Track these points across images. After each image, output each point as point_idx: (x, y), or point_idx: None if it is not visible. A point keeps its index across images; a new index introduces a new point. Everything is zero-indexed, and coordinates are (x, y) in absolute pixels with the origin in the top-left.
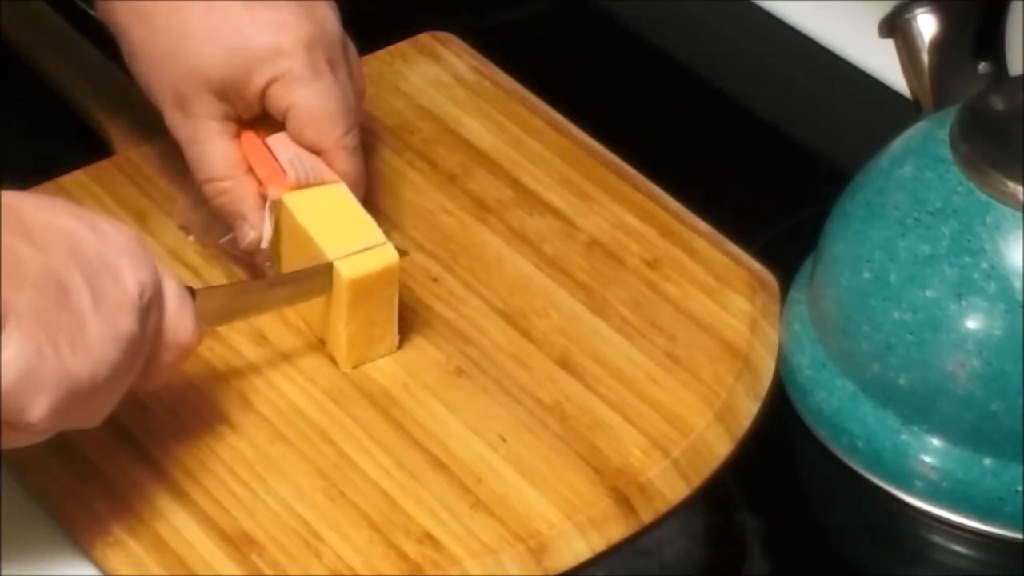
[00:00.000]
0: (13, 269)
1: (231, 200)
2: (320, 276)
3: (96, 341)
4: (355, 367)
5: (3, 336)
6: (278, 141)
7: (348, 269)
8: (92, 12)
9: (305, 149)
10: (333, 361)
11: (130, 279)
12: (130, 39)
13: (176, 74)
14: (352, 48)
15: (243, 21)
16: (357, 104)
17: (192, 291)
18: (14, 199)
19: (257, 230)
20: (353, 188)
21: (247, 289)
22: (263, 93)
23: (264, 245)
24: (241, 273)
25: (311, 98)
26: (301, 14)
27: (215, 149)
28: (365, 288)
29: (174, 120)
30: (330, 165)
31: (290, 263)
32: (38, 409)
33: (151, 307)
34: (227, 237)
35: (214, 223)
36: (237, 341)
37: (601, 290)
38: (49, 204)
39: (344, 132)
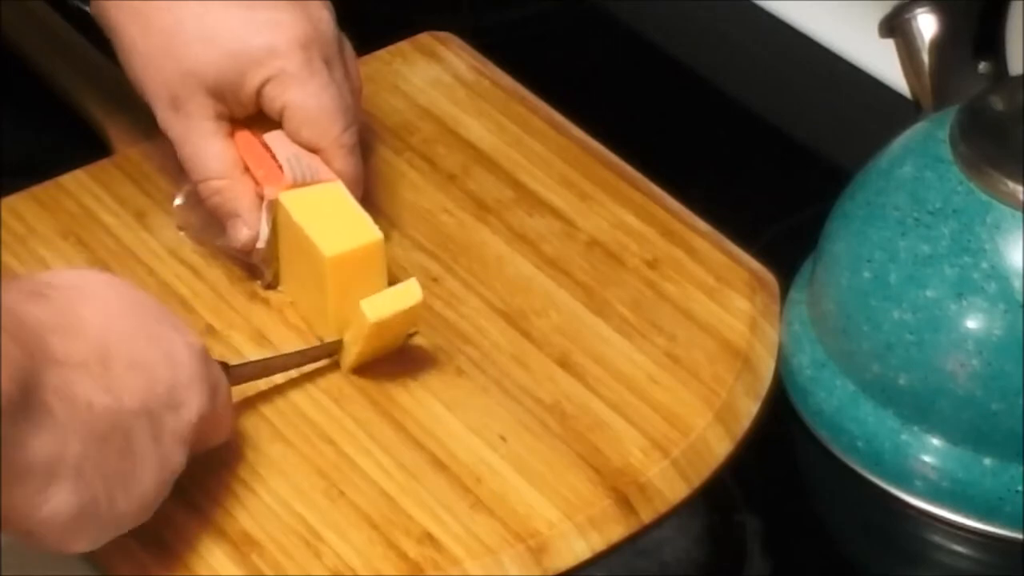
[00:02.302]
0: (84, 422)
1: (226, 199)
2: (338, 349)
3: (148, 484)
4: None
5: (55, 488)
6: (276, 139)
7: (374, 313)
8: (86, 9)
9: (304, 147)
10: (333, 361)
11: (192, 411)
12: (124, 39)
13: (170, 74)
14: (348, 46)
15: (238, 21)
16: (354, 103)
17: (227, 368)
18: (100, 323)
19: (252, 229)
20: (351, 187)
21: (272, 365)
22: (258, 93)
23: (261, 245)
24: (240, 272)
25: (307, 97)
26: (296, 14)
27: (210, 148)
28: (384, 325)
29: (167, 120)
30: (328, 164)
31: (287, 262)
32: (80, 546)
33: (203, 424)
34: (225, 237)
35: (211, 222)
36: (237, 341)
37: (601, 290)
38: (131, 328)
39: (341, 130)
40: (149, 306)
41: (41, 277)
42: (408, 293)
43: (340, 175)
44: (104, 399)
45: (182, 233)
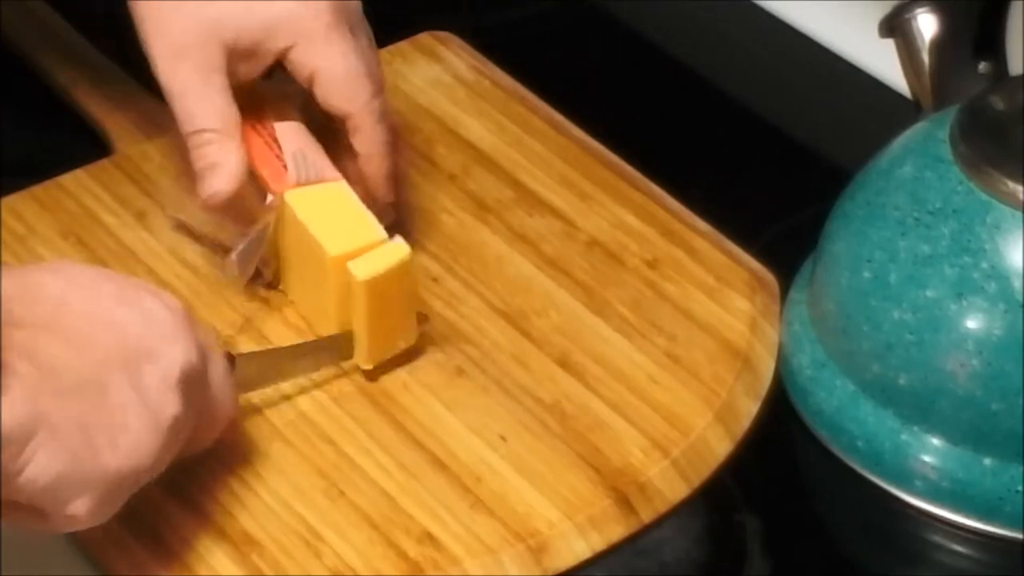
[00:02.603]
0: (49, 377)
1: (214, 151)
2: (344, 342)
3: (137, 433)
4: (376, 365)
5: (32, 447)
6: (286, 131)
7: (362, 272)
8: None
9: (333, 115)
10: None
11: (174, 361)
12: None
13: (183, 26)
14: (366, 23)
15: None
16: (380, 73)
17: (232, 358)
18: (60, 288)
19: (229, 186)
20: (381, 158)
21: (279, 355)
22: (283, 57)
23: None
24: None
25: (336, 60)
26: None
27: (214, 101)
28: (381, 287)
29: (170, 70)
30: (357, 132)
31: (289, 261)
32: (81, 507)
33: (195, 383)
34: (236, 251)
35: (211, 223)
36: (237, 341)
37: (601, 290)
38: (94, 291)
39: (371, 95)
40: (117, 277)
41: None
42: (395, 251)
43: (369, 142)
44: (68, 354)
45: (181, 233)
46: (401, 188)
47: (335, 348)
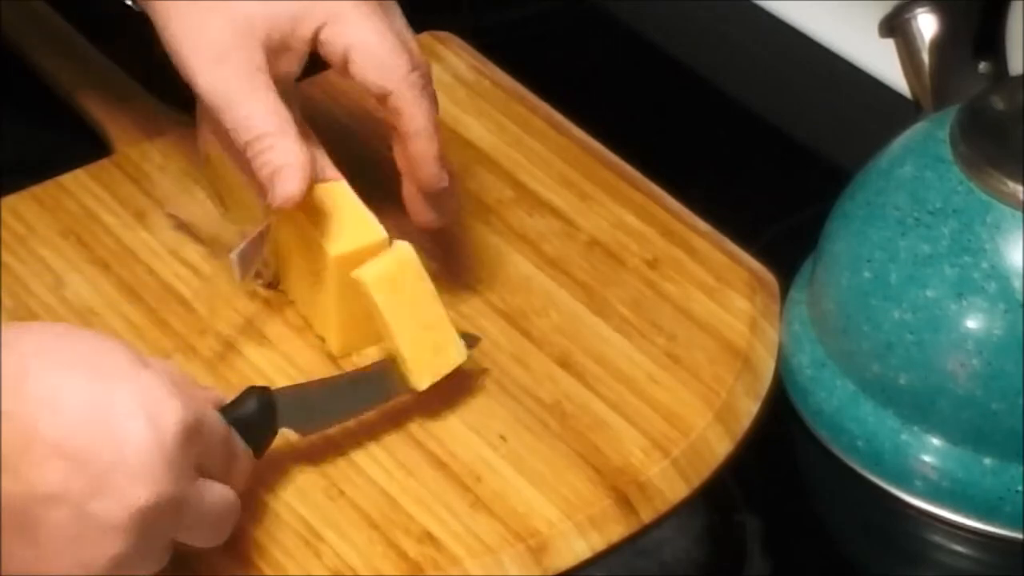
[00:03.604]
0: None
1: (276, 155)
2: (390, 369)
3: (66, 570)
4: (430, 384)
5: None
6: None
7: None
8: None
9: (373, 92)
10: (333, 361)
11: (133, 500)
12: (166, 5)
13: (217, 28)
14: (398, 7)
15: None
16: (419, 52)
17: (270, 395)
18: (50, 387)
19: (302, 184)
20: (428, 137)
21: (321, 390)
22: (315, 39)
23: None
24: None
25: (370, 33)
26: None
27: (263, 103)
28: (394, 291)
29: (213, 78)
30: (399, 110)
31: (289, 261)
32: None
33: (163, 516)
34: (236, 251)
35: (211, 223)
36: (237, 340)
37: (601, 290)
38: (79, 396)
39: (409, 69)
40: (120, 372)
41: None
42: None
43: (413, 120)
44: (13, 487)
45: (182, 233)
46: (454, 178)
47: (383, 379)
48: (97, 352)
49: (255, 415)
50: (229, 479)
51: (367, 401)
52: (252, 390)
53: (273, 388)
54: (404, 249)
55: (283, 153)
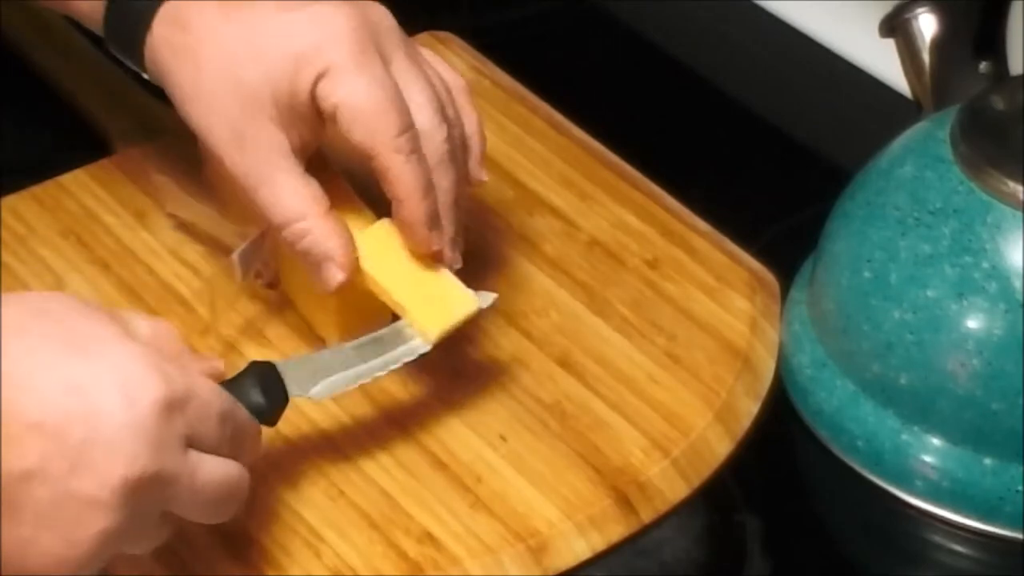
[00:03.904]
0: None
1: (315, 241)
2: (402, 336)
3: (51, 550)
4: (440, 337)
5: None
6: None
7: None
8: (144, 76)
9: (357, 152)
10: None
11: (113, 474)
12: (180, 83)
13: (230, 109)
14: (406, 40)
15: (280, 25)
16: (433, 114)
17: (274, 367)
18: (22, 354)
19: (346, 271)
20: (415, 202)
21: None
22: (312, 95)
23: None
24: (237, 272)
25: (356, 91)
26: (343, 5)
27: (286, 185)
28: (383, 257)
29: (236, 162)
30: (384, 173)
31: (289, 261)
32: None
33: (153, 485)
34: (237, 252)
35: (211, 223)
36: (236, 339)
37: (601, 290)
38: (53, 365)
39: (397, 132)
40: (99, 346)
41: None
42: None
43: (396, 183)
44: None
45: (182, 232)
46: (462, 223)
47: (394, 342)
48: (77, 326)
49: (260, 386)
50: (234, 452)
51: (378, 364)
52: (255, 364)
53: (279, 361)
54: (386, 224)
55: (321, 239)
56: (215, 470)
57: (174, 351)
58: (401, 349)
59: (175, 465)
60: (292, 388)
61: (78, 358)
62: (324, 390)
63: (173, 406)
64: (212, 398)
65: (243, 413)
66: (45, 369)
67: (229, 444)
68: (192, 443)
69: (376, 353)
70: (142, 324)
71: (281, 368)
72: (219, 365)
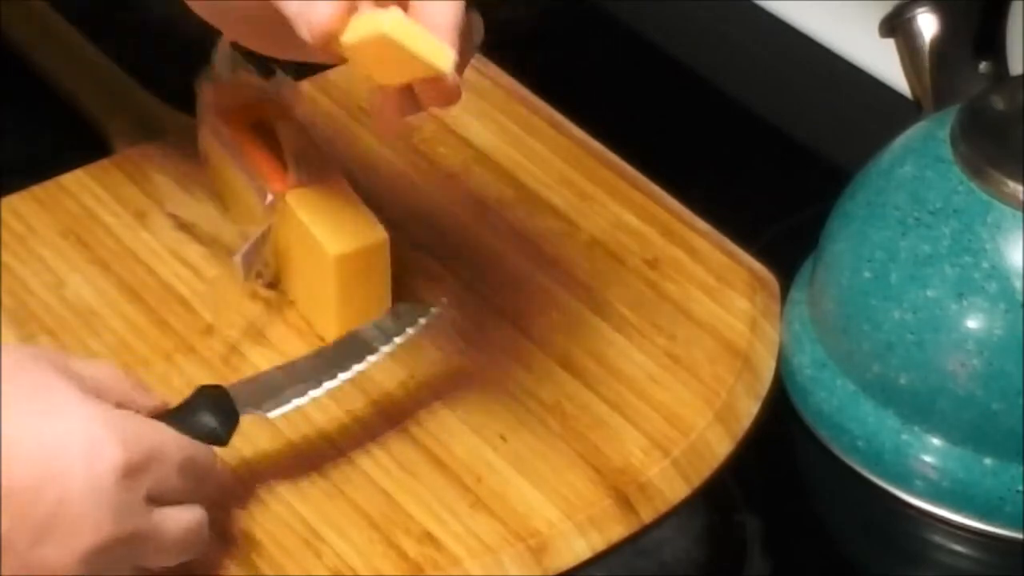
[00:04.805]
0: None
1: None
2: (356, 344)
3: None
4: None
5: None
6: (286, 131)
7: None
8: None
9: None
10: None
11: (75, 545)
12: None
13: None
14: None
15: None
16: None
17: (221, 389)
18: None
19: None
20: (445, 32)
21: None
22: None
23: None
24: (240, 272)
25: None
26: None
27: None
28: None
29: None
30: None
31: (289, 260)
32: None
33: (117, 549)
34: (240, 253)
35: (212, 223)
36: (237, 340)
37: (601, 290)
38: (18, 436)
39: None
40: (60, 411)
41: None
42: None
43: (431, 15)
44: None
45: (183, 232)
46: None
47: (347, 350)
48: (37, 389)
49: (211, 410)
50: (196, 492)
51: (332, 374)
52: (203, 388)
53: (232, 382)
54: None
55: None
56: (179, 520)
57: (120, 392)
58: (355, 357)
59: (140, 526)
60: (244, 408)
61: (41, 424)
62: (277, 407)
63: (134, 469)
64: (171, 451)
65: (201, 451)
66: (8, 436)
67: (191, 488)
68: (155, 499)
69: (331, 364)
70: (86, 368)
71: (232, 389)
72: (163, 400)
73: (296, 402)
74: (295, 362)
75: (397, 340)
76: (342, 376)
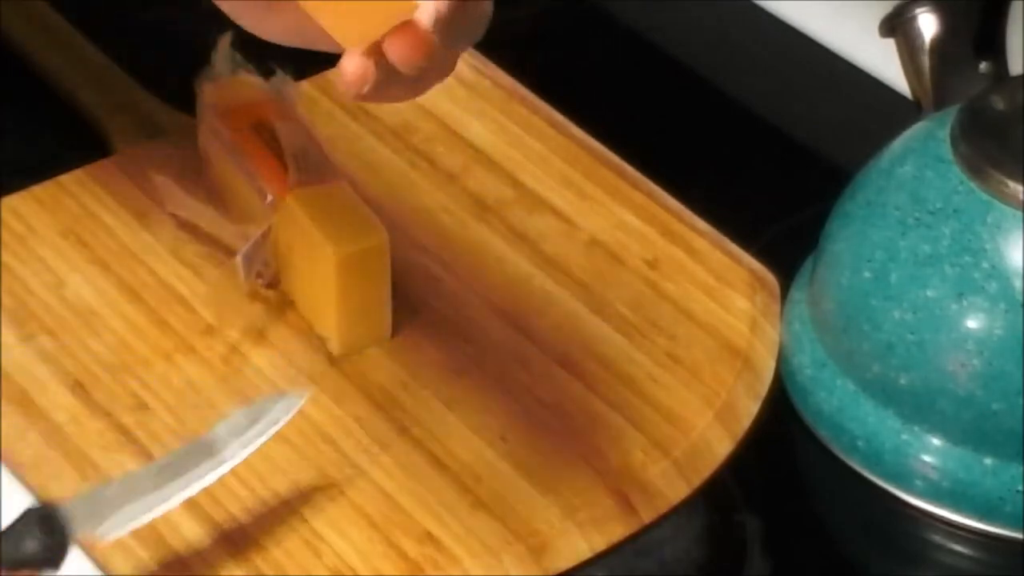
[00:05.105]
0: None
1: None
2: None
3: None
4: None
5: None
6: (286, 131)
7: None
8: None
9: None
10: (334, 361)
11: None
12: None
13: None
14: None
15: None
16: None
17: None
18: None
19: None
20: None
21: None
22: None
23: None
24: (240, 272)
25: None
26: None
27: None
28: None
29: None
30: None
31: (290, 261)
32: None
33: None
34: (241, 253)
35: (212, 223)
36: (236, 340)
37: (601, 290)
38: None
39: None
40: None
41: None
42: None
43: None
44: None
45: (183, 232)
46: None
47: (194, 458)
48: None
49: (38, 532)
50: None
51: (179, 485)
52: (32, 509)
53: (66, 498)
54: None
55: None
56: None
57: None
58: (206, 465)
59: None
60: (78, 528)
61: None
62: (115, 526)
63: None
64: None
65: None
66: None
67: None
68: None
69: (177, 473)
70: None
71: (66, 507)
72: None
73: (131, 525)
74: (136, 473)
75: (248, 449)
76: (182, 494)
